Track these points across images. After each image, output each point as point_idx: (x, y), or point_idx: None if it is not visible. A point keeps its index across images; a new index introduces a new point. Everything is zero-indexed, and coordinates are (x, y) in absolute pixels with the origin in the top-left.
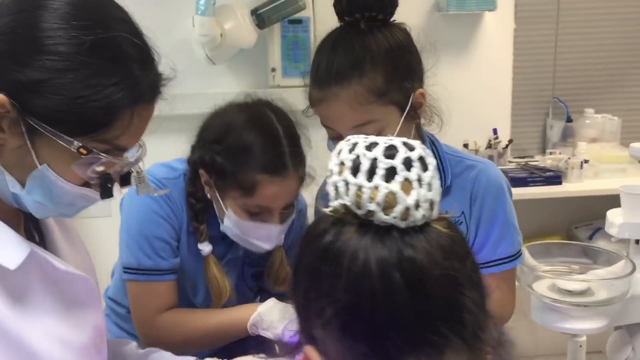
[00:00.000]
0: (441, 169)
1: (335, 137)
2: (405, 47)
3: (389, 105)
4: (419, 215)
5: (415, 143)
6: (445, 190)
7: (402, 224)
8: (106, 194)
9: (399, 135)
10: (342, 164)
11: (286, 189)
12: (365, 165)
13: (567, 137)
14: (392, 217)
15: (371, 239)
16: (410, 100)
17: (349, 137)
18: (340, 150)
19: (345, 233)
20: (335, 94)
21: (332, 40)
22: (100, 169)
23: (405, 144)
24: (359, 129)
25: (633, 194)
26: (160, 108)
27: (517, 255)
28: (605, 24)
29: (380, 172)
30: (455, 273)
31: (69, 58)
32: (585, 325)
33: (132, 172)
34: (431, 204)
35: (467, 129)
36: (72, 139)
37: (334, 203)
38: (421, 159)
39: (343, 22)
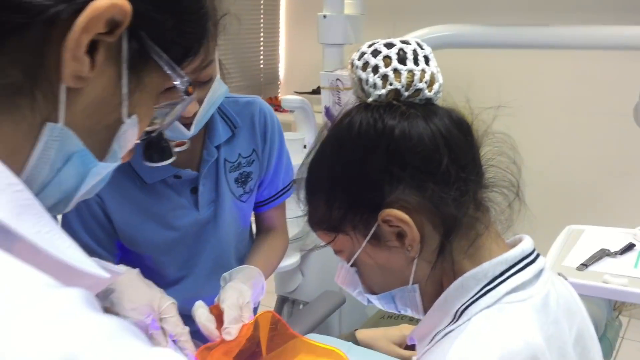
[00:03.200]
0: (223, 114)
1: None
2: None
3: None
4: (441, 90)
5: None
6: (234, 133)
7: (436, 99)
8: (165, 154)
9: None
10: (387, 57)
11: None
12: (410, 55)
13: None
14: (433, 93)
15: (425, 111)
16: None
17: (369, 43)
18: (365, 52)
19: (400, 113)
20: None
21: None
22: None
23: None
24: None
25: None
26: None
27: (292, 184)
28: None
29: (421, 59)
30: None
31: None
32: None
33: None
34: None
35: None
36: (182, 73)
37: (381, 92)
38: None
39: None
